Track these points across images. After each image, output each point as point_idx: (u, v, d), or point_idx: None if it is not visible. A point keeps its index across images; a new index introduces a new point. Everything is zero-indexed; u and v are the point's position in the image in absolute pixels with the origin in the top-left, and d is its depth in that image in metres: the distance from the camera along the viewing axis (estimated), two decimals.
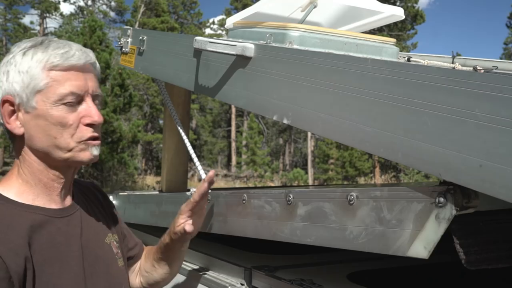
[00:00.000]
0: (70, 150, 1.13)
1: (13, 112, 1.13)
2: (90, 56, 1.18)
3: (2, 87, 1.13)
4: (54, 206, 1.17)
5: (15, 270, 1.01)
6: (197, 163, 1.81)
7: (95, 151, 1.16)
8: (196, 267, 1.76)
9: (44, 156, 1.14)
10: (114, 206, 1.48)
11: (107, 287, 1.23)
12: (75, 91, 1.12)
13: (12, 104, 1.12)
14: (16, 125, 1.13)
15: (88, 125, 1.14)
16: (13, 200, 1.12)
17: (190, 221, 1.39)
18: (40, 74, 1.11)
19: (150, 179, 25.56)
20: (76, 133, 1.13)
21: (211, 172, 1.38)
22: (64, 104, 1.11)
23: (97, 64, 1.22)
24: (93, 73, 1.18)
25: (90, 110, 1.14)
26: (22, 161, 1.16)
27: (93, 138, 1.15)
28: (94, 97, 1.17)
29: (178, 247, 1.46)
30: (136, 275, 1.51)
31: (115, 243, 1.32)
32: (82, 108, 1.14)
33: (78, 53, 1.14)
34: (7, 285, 1.00)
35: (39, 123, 1.11)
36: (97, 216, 1.31)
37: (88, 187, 1.40)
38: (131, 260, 1.48)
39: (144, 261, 1.51)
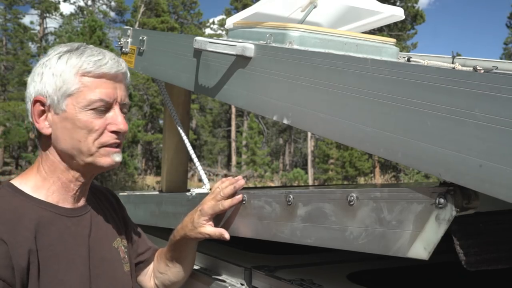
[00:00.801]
0: (91, 155, 1.16)
1: (43, 112, 1.17)
2: (122, 65, 1.21)
3: (36, 87, 1.16)
4: (66, 205, 1.20)
5: (17, 261, 1.03)
6: (197, 163, 1.80)
7: (117, 158, 1.19)
8: (196, 267, 1.76)
9: (67, 158, 1.17)
10: (127, 212, 1.49)
11: None
12: (104, 98, 1.15)
13: (43, 104, 1.16)
14: (44, 125, 1.17)
15: (113, 132, 1.17)
16: (27, 194, 1.15)
17: (220, 229, 1.40)
18: (72, 78, 1.14)
19: (150, 179, 25.58)
20: (100, 138, 1.16)
21: (242, 181, 1.39)
22: (92, 109, 1.14)
23: (128, 74, 1.25)
24: (123, 83, 1.21)
25: (116, 118, 1.17)
26: (44, 159, 1.19)
27: (116, 145, 1.18)
28: (122, 106, 1.20)
29: (192, 245, 1.47)
30: (150, 278, 1.51)
31: (123, 248, 1.33)
32: (110, 115, 1.17)
33: (111, 62, 1.17)
34: (10, 274, 1.02)
35: (66, 125, 1.15)
36: (108, 220, 1.32)
37: (102, 190, 1.42)
38: (141, 264, 1.49)
39: (157, 262, 1.51)
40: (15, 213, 1.09)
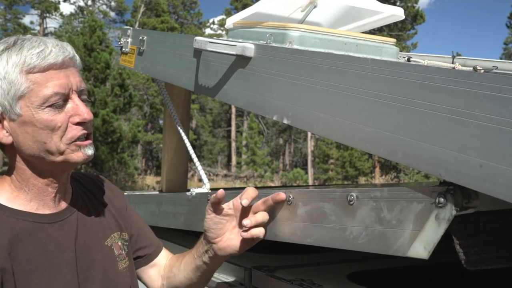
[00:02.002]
0: (62, 153, 1.08)
1: None
2: (68, 50, 1.10)
3: None
4: (47, 211, 1.13)
5: None
6: (197, 163, 1.81)
7: (89, 151, 1.11)
8: None
9: (36, 162, 1.09)
10: (127, 201, 1.39)
11: None
12: (59, 90, 1.05)
13: None
14: (3, 135, 1.07)
15: (78, 123, 1.08)
16: (3, 205, 1.08)
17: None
18: (18, 78, 1.04)
19: (150, 179, 25.56)
20: (66, 134, 1.07)
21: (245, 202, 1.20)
22: (50, 106, 1.05)
23: (77, 57, 1.14)
24: (74, 68, 1.11)
25: (78, 108, 1.08)
26: (14, 168, 1.11)
27: (85, 137, 1.10)
28: (80, 93, 1.10)
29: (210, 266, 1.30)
30: (155, 277, 1.40)
31: (119, 243, 1.25)
32: (69, 107, 1.07)
33: (55, 50, 1.07)
34: None
35: (26, 129, 1.06)
36: (99, 216, 1.24)
37: (94, 181, 1.34)
38: (140, 259, 1.37)
39: (175, 261, 1.38)
40: None
